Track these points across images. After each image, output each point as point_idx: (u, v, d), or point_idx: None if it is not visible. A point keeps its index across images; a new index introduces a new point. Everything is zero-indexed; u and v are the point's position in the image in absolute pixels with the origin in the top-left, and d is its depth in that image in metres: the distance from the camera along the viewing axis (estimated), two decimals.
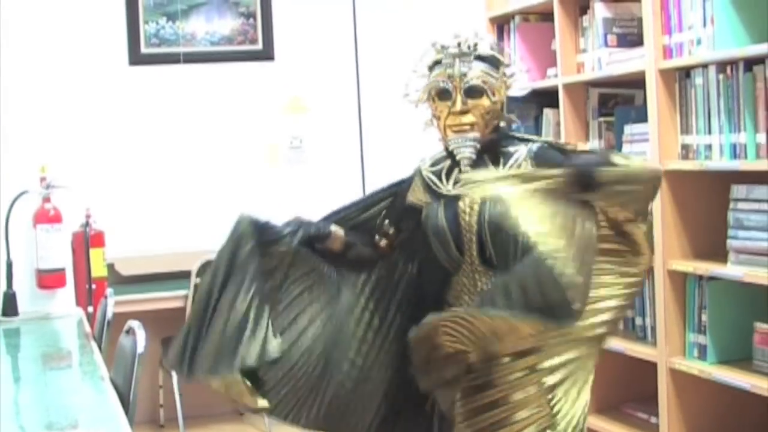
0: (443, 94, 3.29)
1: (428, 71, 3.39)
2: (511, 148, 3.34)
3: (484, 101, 3.27)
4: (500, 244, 3.23)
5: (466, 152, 3.26)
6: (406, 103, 3.42)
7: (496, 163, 3.30)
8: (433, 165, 3.46)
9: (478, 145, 3.28)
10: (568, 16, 5.04)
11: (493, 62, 3.34)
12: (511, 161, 3.31)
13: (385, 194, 3.56)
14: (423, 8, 7.36)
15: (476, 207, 3.25)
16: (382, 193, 3.56)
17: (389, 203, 3.53)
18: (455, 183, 3.31)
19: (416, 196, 3.45)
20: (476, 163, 3.28)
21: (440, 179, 3.38)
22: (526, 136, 3.44)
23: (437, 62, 3.34)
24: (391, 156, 7.25)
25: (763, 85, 3.92)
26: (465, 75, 3.26)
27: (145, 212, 6.98)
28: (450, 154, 3.35)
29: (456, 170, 3.33)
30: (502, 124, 3.37)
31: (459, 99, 3.26)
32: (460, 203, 3.27)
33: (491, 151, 3.32)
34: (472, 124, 3.26)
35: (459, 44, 3.30)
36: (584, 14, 4.98)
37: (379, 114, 7.34)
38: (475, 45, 3.32)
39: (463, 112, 3.26)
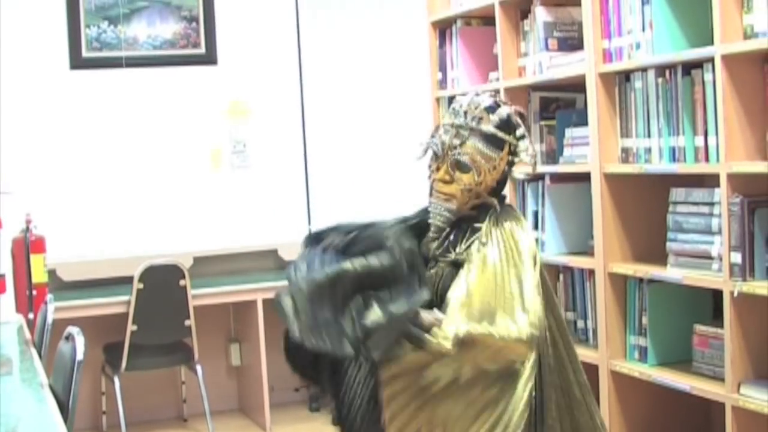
0: (435, 157, 3.23)
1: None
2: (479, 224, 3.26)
3: (468, 178, 3.19)
4: None
5: (437, 220, 3.22)
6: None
7: (463, 238, 3.23)
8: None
9: (453, 217, 3.22)
10: (510, 21, 5.07)
11: (495, 141, 3.20)
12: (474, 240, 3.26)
13: None
14: (366, 12, 7.37)
15: (437, 275, 3.21)
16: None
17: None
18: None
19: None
20: (448, 232, 3.23)
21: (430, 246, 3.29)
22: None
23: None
24: (334, 160, 7.27)
25: (701, 89, 3.96)
26: (455, 148, 3.18)
27: (87, 217, 6.92)
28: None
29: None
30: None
31: (444, 169, 3.19)
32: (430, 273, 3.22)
33: (467, 222, 3.24)
34: (451, 195, 3.20)
35: (466, 113, 3.21)
36: (525, 18, 5.01)
37: (322, 118, 7.33)
38: (480, 120, 3.19)
39: (446, 182, 3.20)
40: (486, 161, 3.18)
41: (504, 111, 3.21)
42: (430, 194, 3.26)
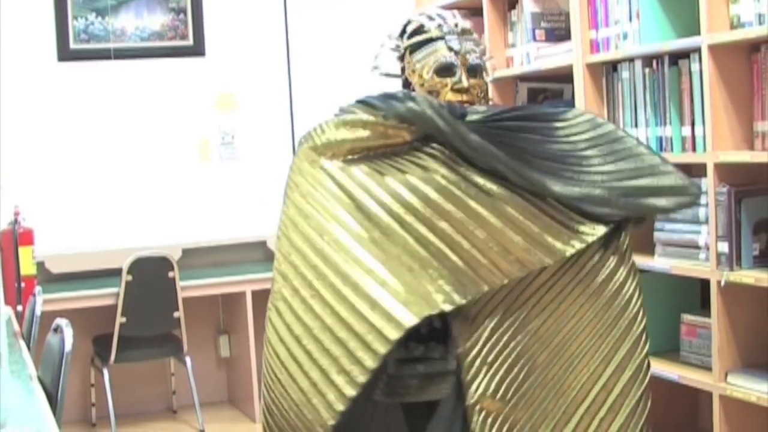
0: (443, 70, 3.17)
1: (409, 49, 3.26)
2: None
3: (481, 81, 3.22)
4: None
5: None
6: (373, 75, 3.35)
7: None
8: None
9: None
10: (497, 11, 5.06)
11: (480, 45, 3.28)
12: None
13: None
14: (354, 4, 7.37)
15: None
16: None
17: None
18: None
19: None
20: None
21: None
22: None
23: (428, 41, 3.21)
24: None
25: (688, 79, 3.96)
26: (470, 53, 3.18)
27: (76, 209, 6.92)
28: None
29: None
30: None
31: (464, 76, 3.16)
32: None
33: None
34: (471, 102, 3.17)
35: (456, 24, 3.21)
36: (513, 9, 5.01)
37: (310, 109, 7.32)
38: (469, 28, 3.25)
39: (466, 90, 3.17)
40: (484, 64, 3.24)
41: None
42: None
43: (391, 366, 3.12)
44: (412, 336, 2.93)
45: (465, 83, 3.16)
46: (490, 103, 3.41)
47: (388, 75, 3.37)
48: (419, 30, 3.24)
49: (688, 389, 4.18)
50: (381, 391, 3.17)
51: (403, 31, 3.29)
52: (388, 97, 2.96)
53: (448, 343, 3.02)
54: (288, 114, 7.36)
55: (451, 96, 3.16)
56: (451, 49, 3.18)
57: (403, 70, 3.30)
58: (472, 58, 3.18)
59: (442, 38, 3.20)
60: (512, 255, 2.79)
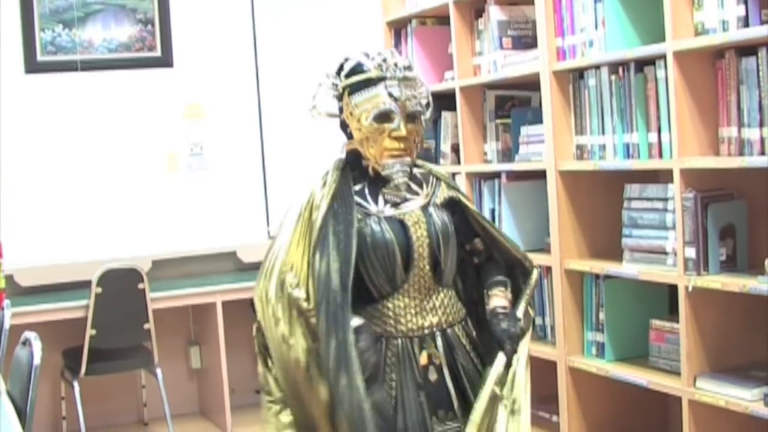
0: (383, 117, 3.16)
1: (347, 90, 3.23)
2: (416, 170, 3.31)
3: (419, 126, 3.21)
4: (450, 253, 3.22)
5: (401, 178, 3.18)
6: (311, 117, 3.30)
7: (419, 185, 3.27)
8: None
9: (409, 170, 3.22)
10: (464, 20, 5.09)
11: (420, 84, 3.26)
12: (430, 183, 3.30)
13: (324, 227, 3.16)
14: (322, 13, 7.37)
15: (422, 220, 3.17)
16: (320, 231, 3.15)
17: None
18: (386, 204, 3.19)
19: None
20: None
21: (365, 200, 3.21)
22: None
23: (369, 82, 3.19)
24: (292, 161, 7.25)
25: (654, 86, 3.99)
26: (410, 100, 3.16)
27: (44, 222, 6.88)
28: (370, 177, 3.23)
29: (380, 191, 3.21)
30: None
31: (402, 123, 3.15)
32: (406, 220, 3.16)
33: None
34: (407, 150, 3.19)
35: (396, 64, 3.19)
36: (479, 17, 5.03)
37: (279, 119, 7.32)
38: (410, 66, 3.23)
39: (404, 138, 3.16)
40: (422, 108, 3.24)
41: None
42: (376, 156, 3.18)
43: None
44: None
45: (403, 131, 3.16)
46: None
47: (329, 115, 3.30)
48: (357, 69, 3.21)
49: (657, 394, 4.21)
50: None
51: (340, 69, 3.25)
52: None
53: None
54: (257, 124, 7.35)
55: (389, 143, 3.17)
56: (391, 95, 3.16)
57: (341, 110, 3.26)
58: (412, 105, 3.17)
59: (382, 80, 3.17)
60: None
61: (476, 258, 3.38)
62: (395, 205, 3.20)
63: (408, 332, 3.15)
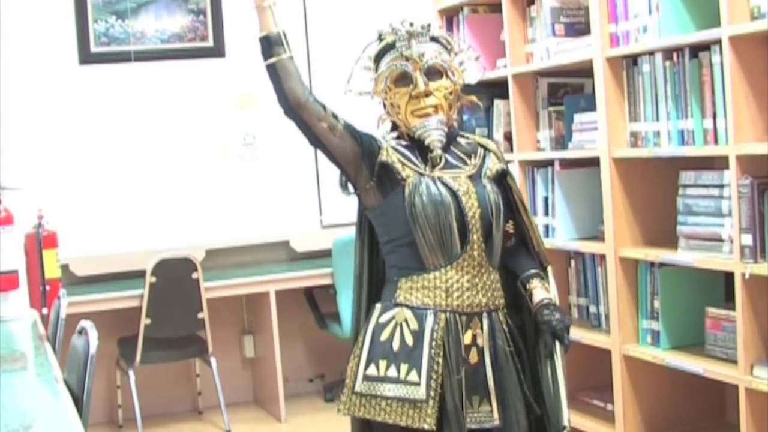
0: (401, 79, 3.18)
1: (375, 63, 3.29)
2: (462, 140, 3.31)
3: (445, 82, 3.18)
4: (501, 228, 3.18)
5: (434, 135, 3.14)
6: (351, 97, 3.33)
7: (467, 155, 3.25)
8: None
9: (446, 128, 3.18)
10: (516, 7, 5.06)
11: (446, 45, 3.25)
12: (477, 155, 3.27)
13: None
14: (373, 1, 7.35)
15: (472, 190, 3.13)
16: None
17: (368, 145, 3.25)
18: (433, 166, 3.15)
19: (392, 159, 3.18)
20: (445, 151, 3.18)
21: (411, 162, 3.18)
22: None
23: (387, 48, 3.23)
24: None
25: (709, 71, 3.95)
26: (423, 55, 3.16)
27: (99, 212, 6.93)
28: (414, 144, 3.20)
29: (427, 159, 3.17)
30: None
31: (421, 80, 3.14)
32: (456, 189, 3.11)
33: (455, 140, 3.25)
34: (435, 107, 3.15)
35: (411, 24, 3.20)
36: (532, 4, 5.00)
37: (331, 107, 7.31)
38: (429, 25, 3.22)
39: (427, 94, 3.14)
40: (448, 63, 3.21)
41: (437, 22, 3.30)
42: (407, 122, 3.19)
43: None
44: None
45: (422, 87, 3.14)
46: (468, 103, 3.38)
47: (360, 93, 3.35)
48: (379, 39, 3.28)
49: (713, 383, 4.18)
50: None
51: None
52: None
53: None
54: None
55: (413, 105, 3.15)
56: (401, 55, 3.17)
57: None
58: (427, 59, 3.15)
59: (390, 49, 3.21)
60: None
61: (507, 242, 3.29)
62: (441, 171, 3.16)
63: (457, 308, 3.11)
